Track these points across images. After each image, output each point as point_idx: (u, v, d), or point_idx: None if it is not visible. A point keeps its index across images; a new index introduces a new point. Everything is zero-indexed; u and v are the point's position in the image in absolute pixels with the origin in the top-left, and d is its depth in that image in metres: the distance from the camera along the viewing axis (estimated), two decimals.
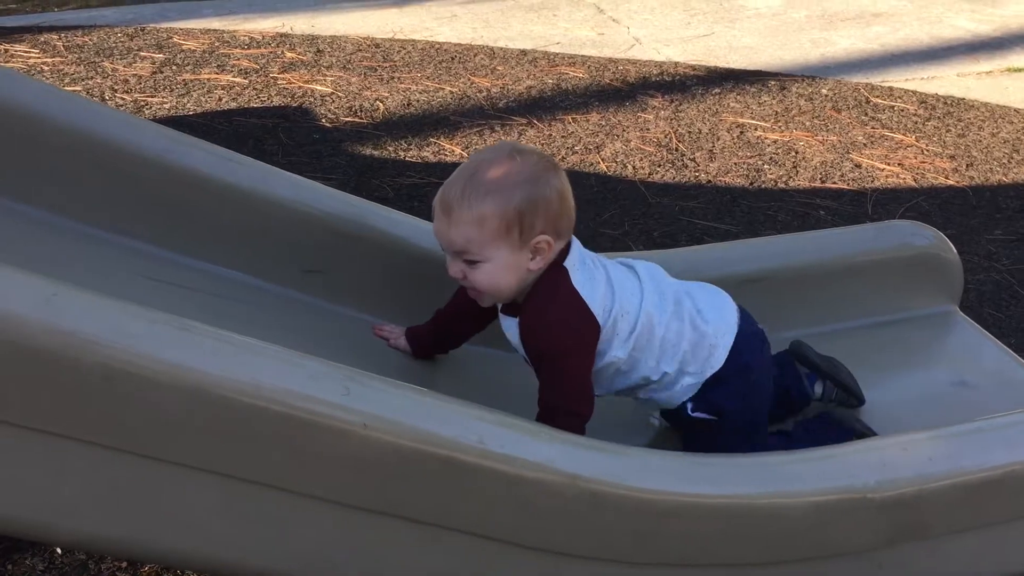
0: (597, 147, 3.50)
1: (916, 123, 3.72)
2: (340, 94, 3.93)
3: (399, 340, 1.73)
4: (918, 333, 1.97)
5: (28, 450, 1.04)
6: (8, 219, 1.47)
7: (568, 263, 1.49)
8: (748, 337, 1.58)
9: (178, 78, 4.03)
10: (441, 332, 1.72)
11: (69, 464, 1.08)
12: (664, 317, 1.53)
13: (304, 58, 4.30)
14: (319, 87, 3.98)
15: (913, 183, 3.27)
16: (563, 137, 3.57)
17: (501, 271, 1.45)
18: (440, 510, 1.20)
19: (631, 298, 1.52)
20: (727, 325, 1.57)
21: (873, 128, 3.66)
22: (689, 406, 1.57)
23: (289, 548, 1.18)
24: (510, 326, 1.54)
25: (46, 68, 4.11)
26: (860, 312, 1.95)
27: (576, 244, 1.53)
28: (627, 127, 3.66)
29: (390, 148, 3.51)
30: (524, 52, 4.39)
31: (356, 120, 3.71)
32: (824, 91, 4.00)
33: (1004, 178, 3.35)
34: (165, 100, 3.81)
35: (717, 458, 1.38)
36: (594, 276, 1.51)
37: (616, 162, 3.40)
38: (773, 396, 1.65)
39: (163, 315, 1.06)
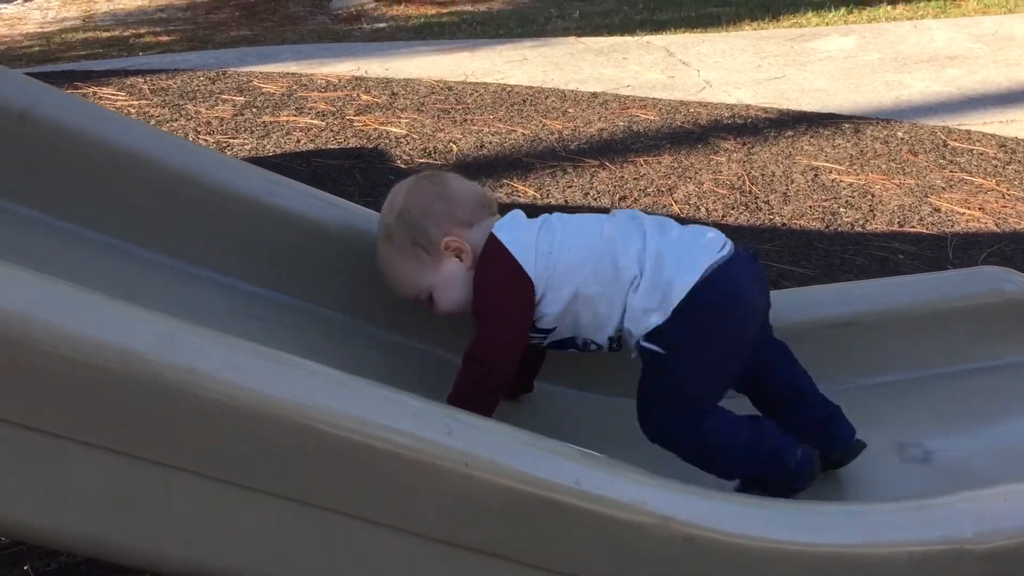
0: (670, 189, 3.51)
1: (996, 167, 3.66)
2: (414, 136, 4.00)
3: None
4: (1007, 381, 1.93)
5: (145, 482, 1.07)
6: (115, 257, 1.53)
7: (496, 228, 1.53)
8: (726, 279, 1.51)
9: (258, 120, 4.15)
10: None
11: (179, 495, 1.11)
12: (630, 246, 1.50)
13: (379, 101, 4.40)
14: (394, 129, 4.06)
15: (995, 228, 3.21)
16: (635, 179, 3.59)
17: (447, 288, 1.53)
18: (537, 550, 1.21)
19: (578, 228, 1.53)
20: (692, 265, 1.50)
21: (952, 172, 3.61)
22: (641, 339, 1.51)
23: None
24: None
25: (132, 111, 4.26)
26: (947, 359, 1.92)
27: (510, 213, 1.56)
28: (699, 169, 3.66)
29: None
30: (595, 95, 4.44)
31: (430, 161, 3.78)
32: (900, 134, 3.96)
33: None
34: (246, 142, 3.92)
35: (816, 505, 1.36)
36: (521, 225, 1.53)
37: (689, 204, 3.40)
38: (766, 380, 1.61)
39: (276, 353, 1.09)
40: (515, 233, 1.53)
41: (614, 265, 1.50)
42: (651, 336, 1.51)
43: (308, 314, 1.66)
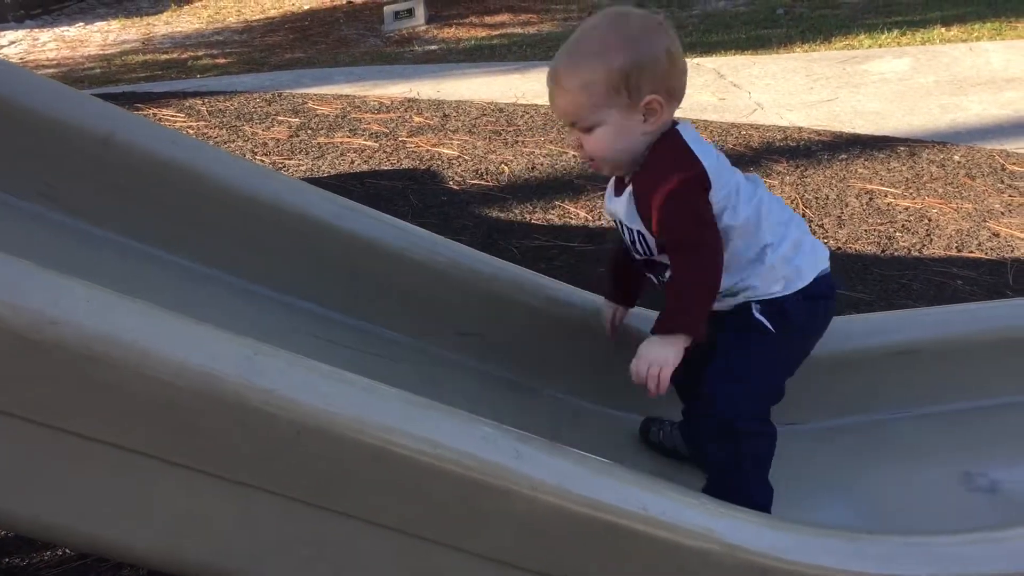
0: None
1: None
2: (466, 157, 4.04)
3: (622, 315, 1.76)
4: None
5: (226, 501, 1.10)
6: (194, 278, 1.57)
7: (681, 126, 1.51)
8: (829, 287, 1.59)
9: (313, 141, 4.22)
10: (621, 287, 1.74)
11: (254, 513, 1.13)
12: (773, 218, 1.53)
13: (431, 122, 4.45)
14: (446, 150, 4.10)
15: None
16: None
17: (613, 135, 1.45)
18: (604, 574, 1.21)
19: (741, 179, 1.55)
20: (819, 259, 1.59)
21: (1011, 196, 3.56)
22: (756, 307, 1.53)
23: None
24: (620, 203, 1.53)
25: (191, 132, 4.35)
26: (1012, 388, 1.89)
27: (688, 125, 1.54)
28: None
29: (516, 211, 3.58)
30: None
31: (482, 183, 3.81)
32: (956, 157, 3.91)
33: None
34: (301, 163, 3.99)
35: (886, 536, 1.35)
36: (709, 149, 1.52)
37: None
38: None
39: (351, 376, 1.11)
40: (697, 142, 1.52)
41: (758, 222, 1.52)
42: (766, 308, 1.53)
43: (372, 336, 1.68)
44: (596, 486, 1.21)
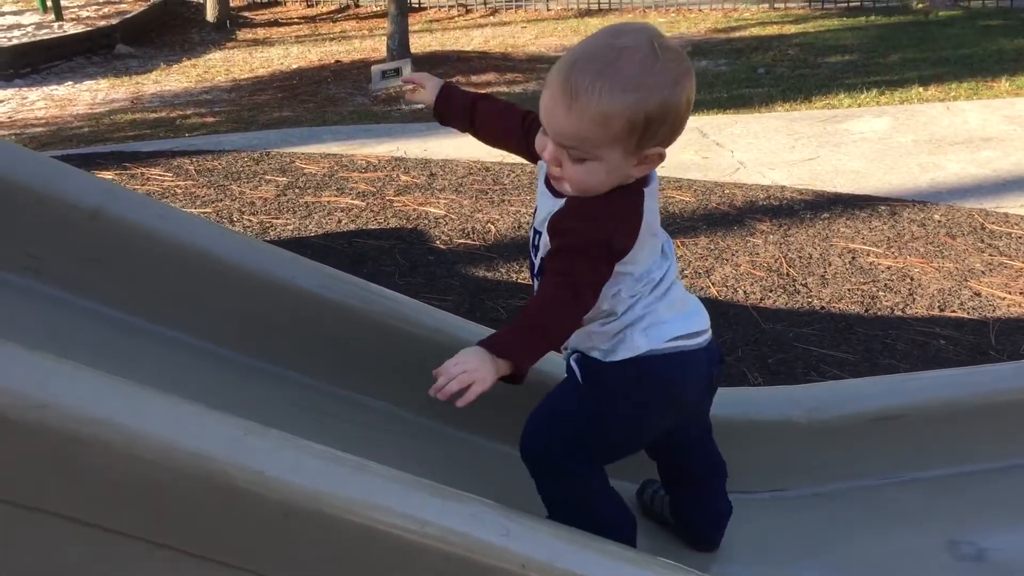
0: (707, 271, 3.53)
1: None
2: (453, 216, 4.07)
3: (425, 95, 1.67)
4: None
5: None
6: (181, 351, 1.58)
7: (648, 190, 1.39)
8: (684, 366, 1.47)
9: (300, 200, 4.24)
10: (475, 115, 1.64)
11: None
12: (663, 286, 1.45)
13: (418, 181, 4.49)
14: (433, 209, 4.14)
15: None
16: None
17: (603, 173, 1.32)
18: None
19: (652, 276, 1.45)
20: (660, 333, 1.45)
21: (991, 255, 3.61)
22: (574, 355, 1.47)
23: None
24: (548, 205, 1.42)
25: (179, 191, 4.38)
26: (998, 454, 1.90)
27: (656, 194, 1.43)
28: (736, 251, 3.69)
29: (502, 270, 3.60)
30: None
31: (469, 242, 3.83)
32: (936, 217, 3.97)
33: None
34: (289, 222, 4.01)
35: None
36: (656, 230, 1.43)
37: (727, 287, 3.42)
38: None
39: (340, 454, 1.12)
40: (651, 219, 1.42)
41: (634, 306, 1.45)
42: (581, 359, 1.48)
43: (357, 405, 1.69)
44: (584, 563, 1.21)
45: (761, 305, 3.29)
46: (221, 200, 4.25)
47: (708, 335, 1.53)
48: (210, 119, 6.49)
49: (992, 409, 1.88)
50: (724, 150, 4.89)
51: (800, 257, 3.63)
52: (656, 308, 1.45)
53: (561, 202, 1.40)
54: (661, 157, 1.34)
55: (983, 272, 3.48)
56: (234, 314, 1.67)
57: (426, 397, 1.75)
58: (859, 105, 5.79)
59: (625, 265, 1.40)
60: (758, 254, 3.66)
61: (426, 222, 4.02)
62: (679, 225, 3.94)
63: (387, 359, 1.76)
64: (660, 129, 1.30)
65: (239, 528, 1.08)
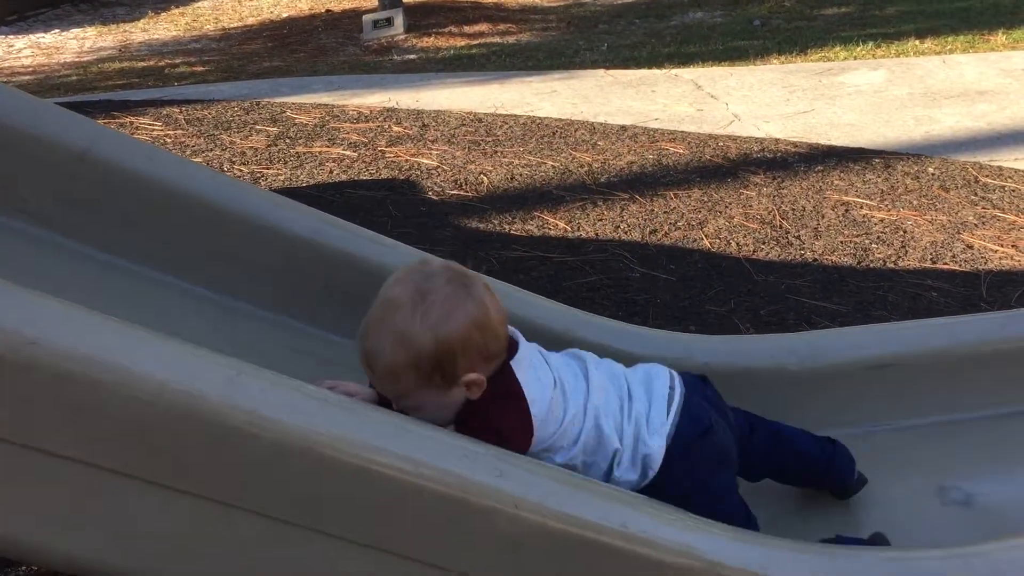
0: (700, 223, 3.52)
1: None
2: (445, 167, 4.04)
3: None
4: None
5: (201, 519, 1.09)
6: (171, 293, 1.57)
7: (515, 361, 1.42)
8: (689, 429, 1.52)
9: (291, 151, 4.20)
10: None
11: (235, 533, 1.13)
12: (611, 420, 1.48)
13: (410, 132, 4.45)
14: (425, 160, 4.11)
15: None
16: (665, 213, 3.60)
17: (437, 411, 1.38)
18: None
19: (577, 399, 1.46)
20: (661, 428, 1.51)
21: (984, 208, 3.61)
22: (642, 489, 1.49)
23: None
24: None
25: (169, 140, 4.33)
26: (987, 402, 1.91)
27: (522, 342, 1.46)
28: (729, 204, 3.68)
29: (495, 221, 3.58)
30: (624, 128, 4.47)
31: (461, 193, 3.81)
32: (931, 170, 3.96)
33: None
34: (280, 172, 3.97)
35: (861, 551, 1.36)
36: (541, 378, 1.44)
37: (720, 239, 3.41)
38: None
39: (333, 396, 1.11)
40: (532, 379, 1.44)
41: (598, 437, 1.47)
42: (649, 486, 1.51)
43: (348, 348, 1.68)
44: (577, 503, 1.22)
45: (754, 257, 3.28)
46: (211, 150, 4.21)
47: (676, 384, 1.57)
48: (199, 68, 6.41)
49: (982, 358, 1.89)
50: (719, 102, 4.85)
51: (793, 210, 3.62)
52: (635, 420, 1.49)
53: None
54: (482, 380, 1.37)
55: (976, 225, 3.48)
56: (227, 257, 1.66)
57: None
58: (855, 58, 5.74)
59: (550, 428, 1.42)
60: (751, 206, 3.65)
61: (418, 173, 3.99)
62: (673, 178, 3.92)
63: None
64: (456, 363, 1.34)
65: (232, 468, 1.08)
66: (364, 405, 1.14)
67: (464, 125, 4.54)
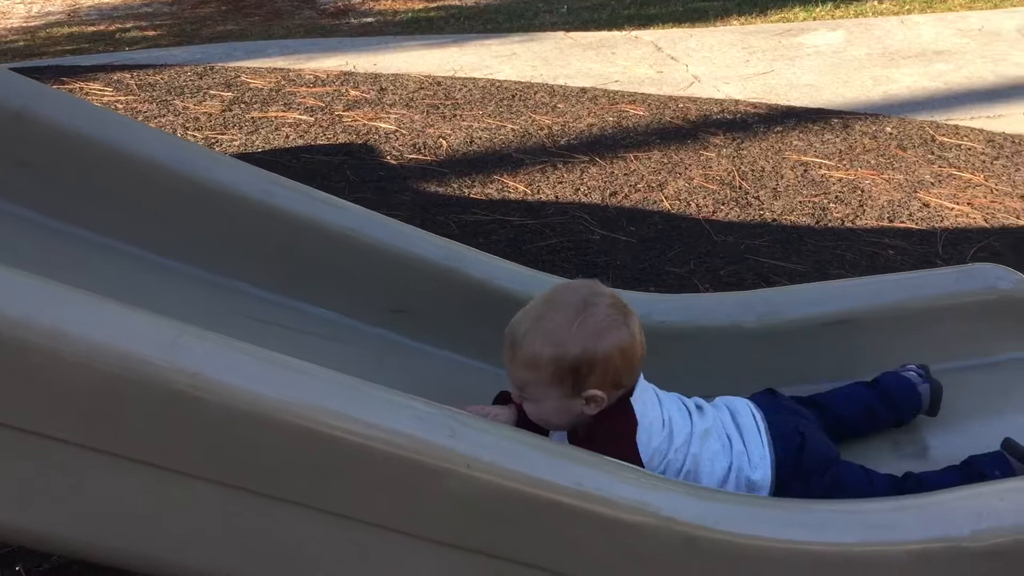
0: (660, 185, 3.51)
1: (984, 162, 3.68)
2: (404, 131, 3.99)
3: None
4: (1001, 377, 1.94)
5: (148, 485, 1.07)
6: (113, 257, 1.52)
7: (634, 397, 1.51)
8: (785, 448, 1.59)
9: (246, 116, 4.13)
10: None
11: (183, 500, 1.11)
12: (709, 464, 1.54)
13: (368, 96, 4.38)
14: (383, 124, 4.05)
15: (984, 223, 3.23)
16: (625, 175, 3.59)
17: (551, 412, 1.49)
18: (539, 551, 1.21)
19: (680, 438, 1.53)
20: (762, 459, 1.58)
21: (940, 167, 3.63)
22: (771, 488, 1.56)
23: None
24: (559, 436, 1.55)
25: (120, 106, 4.23)
26: (942, 356, 1.92)
27: (641, 380, 1.54)
28: (689, 165, 3.67)
29: (454, 185, 3.55)
30: (584, 90, 4.43)
31: (420, 157, 3.77)
32: (888, 129, 3.98)
33: None
34: (235, 137, 3.90)
35: (817, 504, 1.37)
36: (651, 416, 1.51)
37: (679, 200, 3.40)
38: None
39: (279, 356, 1.09)
40: (646, 411, 1.52)
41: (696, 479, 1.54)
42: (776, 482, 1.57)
43: (308, 316, 1.65)
44: (531, 462, 1.21)
45: (713, 218, 3.29)
46: (164, 115, 4.12)
47: (754, 410, 1.64)
48: (151, 32, 6.25)
49: (938, 312, 1.90)
50: (679, 64, 4.83)
51: (753, 170, 3.62)
52: (736, 457, 1.56)
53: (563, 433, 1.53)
54: (605, 399, 1.47)
55: (932, 183, 3.50)
56: (174, 221, 1.61)
57: (378, 307, 1.74)
58: (814, 19, 5.73)
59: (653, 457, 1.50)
60: (711, 167, 3.65)
61: (376, 137, 3.94)
62: (633, 140, 3.90)
63: (338, 269, 1.72)
64: (590, 376, 1.45)
65: (179, 432, 1.06)
66: (314, 367, 1.11)
67: (422, 88, 4.48)
